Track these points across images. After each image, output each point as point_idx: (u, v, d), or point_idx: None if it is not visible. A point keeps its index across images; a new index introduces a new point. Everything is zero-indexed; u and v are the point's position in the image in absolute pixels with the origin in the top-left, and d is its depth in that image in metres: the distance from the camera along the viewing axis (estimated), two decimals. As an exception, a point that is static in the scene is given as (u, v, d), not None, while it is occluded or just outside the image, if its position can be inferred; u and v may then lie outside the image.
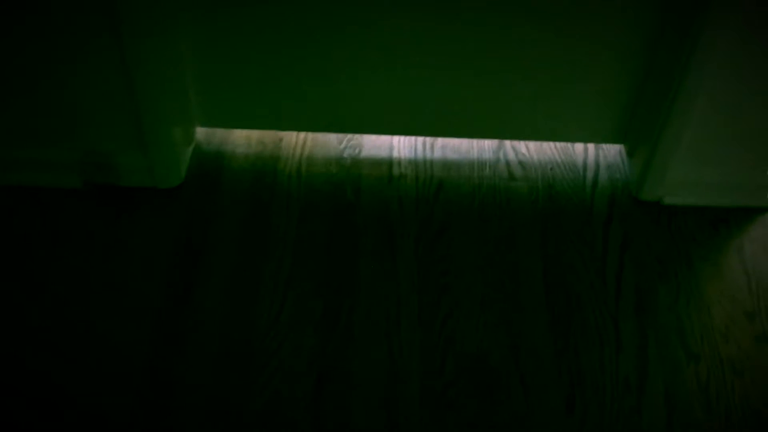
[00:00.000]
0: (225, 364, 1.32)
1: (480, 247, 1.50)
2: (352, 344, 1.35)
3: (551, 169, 1.64)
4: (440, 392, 1.30)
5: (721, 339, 1.39)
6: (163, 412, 1.27)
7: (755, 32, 1.33)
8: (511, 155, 1.65)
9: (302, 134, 1.67)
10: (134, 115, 1.45)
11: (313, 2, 1.41)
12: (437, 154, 1.65)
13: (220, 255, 1.47)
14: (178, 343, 1.34)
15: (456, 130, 1.64)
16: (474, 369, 1.33)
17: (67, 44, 1.35)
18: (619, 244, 1.52)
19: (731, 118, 1.46)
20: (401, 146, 1.66)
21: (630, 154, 1.63)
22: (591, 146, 1.68)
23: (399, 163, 1.63)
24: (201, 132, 1.66)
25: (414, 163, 1.63)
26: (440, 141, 1.67)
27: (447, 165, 1.63)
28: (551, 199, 1.58)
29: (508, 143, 1.67)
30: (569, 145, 1.67)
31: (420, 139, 1.67)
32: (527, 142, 1.67)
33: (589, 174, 1.63)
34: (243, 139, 1.66)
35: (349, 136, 1.67)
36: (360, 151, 1.65)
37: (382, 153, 1.65)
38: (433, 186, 1.59)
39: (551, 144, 1.67)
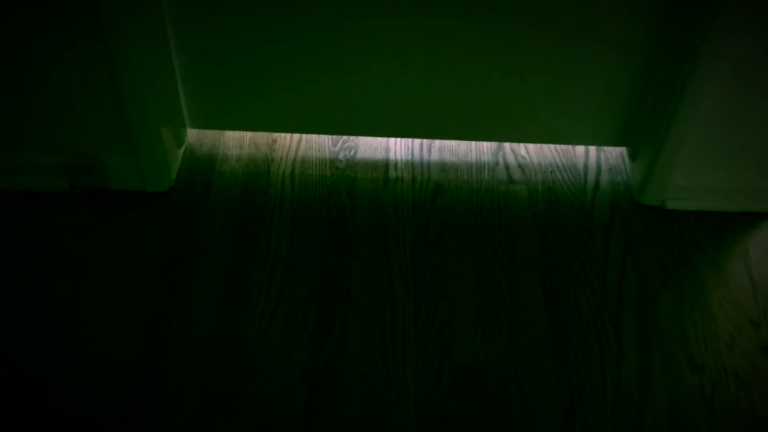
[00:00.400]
0: (215, 374, 1.30)
1: (478, 252, 1.47)
2: (346, 354, 1.33)
3: (551, 172, 1.61)
4: (436, 406, 1.27)
5: (725, 349, 1.36)
6: (154, 414, 1.24)
7: (760, 35, 1.31)
8: (511, 158, 1.63)
9: (296, 136, 1.65)
10: (121, 117, 1.42)
11: (307, 1, 1.39)
12: (434, 156, 1.62)
13: (211, 260, 1.44)
14: (168, 352, 1.32)
15: (454, 132, 1.62)
16: (471, 380, 1.30)
17: (50, 44, 1.33)
18: (621, 249, 1.49)
19: (736, 121, 1.44)
20: (397, 148, 1.63)
21: (632, 157, 1.61)
22: (592, 149, 1.66)
23: (395, 165, 1.61)
24: (192, 134, 1.64)
25: (410, 166, 1.61)
26: (437, 143, 1.65)
27: (444, 168, 1.61)
28: (551, 204, 1.56)
29: (507, 146, 1.65)
30: (570, 147, 1.65)
31: (417, 141, 1.65)
32: (527, 145, 1.65)
33: (590, 177, 1.61)
34: (235, 141, 1.64)
35: (344, 137, 1.64)
36: (355, 154, 1.62)
37: (378, 155, 1.62)
38: (429, 190, 1.57)
39: (551, 146, 1.65)
